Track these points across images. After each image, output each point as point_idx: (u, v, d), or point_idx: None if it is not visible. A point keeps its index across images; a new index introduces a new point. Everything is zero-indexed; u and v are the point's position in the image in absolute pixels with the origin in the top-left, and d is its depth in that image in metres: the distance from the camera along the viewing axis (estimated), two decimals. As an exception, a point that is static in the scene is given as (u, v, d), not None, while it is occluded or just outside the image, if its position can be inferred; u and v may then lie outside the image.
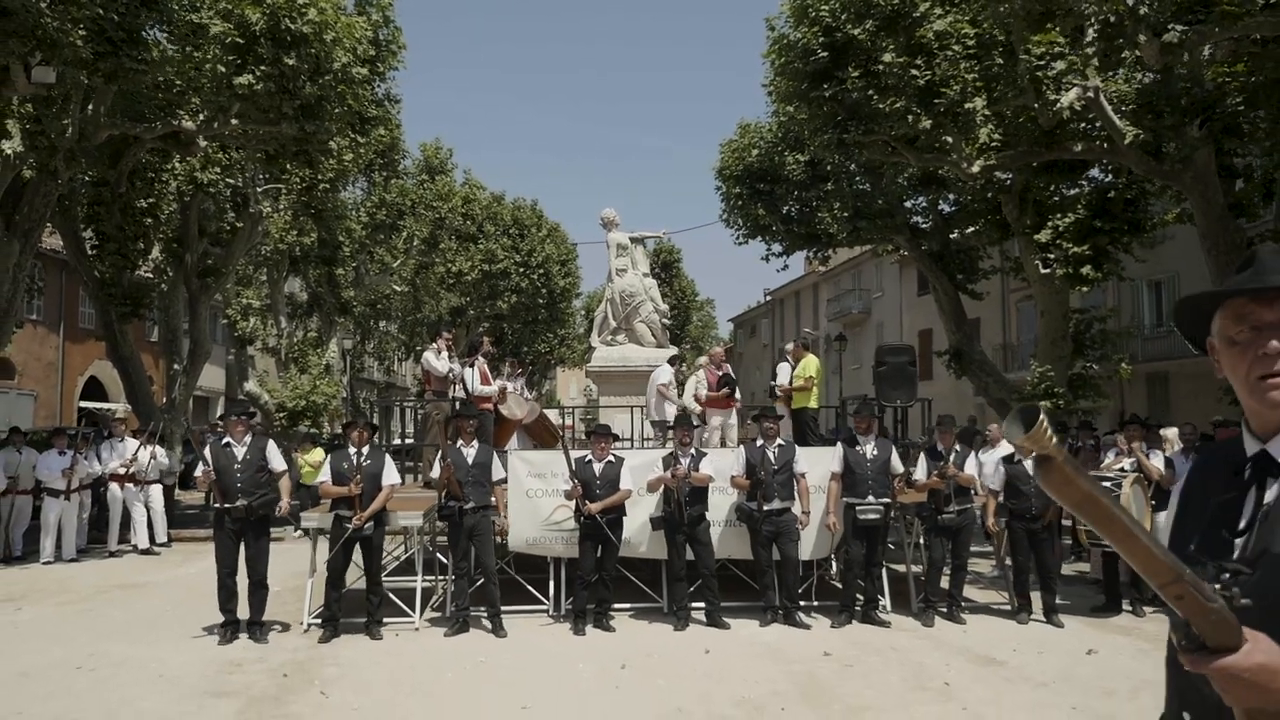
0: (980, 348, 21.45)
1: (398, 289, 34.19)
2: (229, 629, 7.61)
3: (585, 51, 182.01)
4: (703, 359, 12.82)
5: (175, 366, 22.40)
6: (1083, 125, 15.00)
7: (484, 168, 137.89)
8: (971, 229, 20.06)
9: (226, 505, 7.58)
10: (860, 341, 39.48)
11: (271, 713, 5.61)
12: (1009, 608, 8.66)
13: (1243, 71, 13.01)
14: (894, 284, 37.91)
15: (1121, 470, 8.64)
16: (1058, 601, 8.45)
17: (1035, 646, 7.26)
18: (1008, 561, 9.05)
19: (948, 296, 21.32)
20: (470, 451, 8.03)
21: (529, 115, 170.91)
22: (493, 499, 8.07)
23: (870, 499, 8.15)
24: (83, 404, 31.56)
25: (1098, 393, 18.62)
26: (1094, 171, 18.03)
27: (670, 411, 11.32)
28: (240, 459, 7.71)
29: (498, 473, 8.17)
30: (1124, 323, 25.66)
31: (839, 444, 8.65)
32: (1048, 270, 17.36)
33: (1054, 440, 1.18)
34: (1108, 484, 8.22)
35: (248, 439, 7.88)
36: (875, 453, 8.31)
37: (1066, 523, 11.37)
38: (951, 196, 20.51)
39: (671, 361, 12.50)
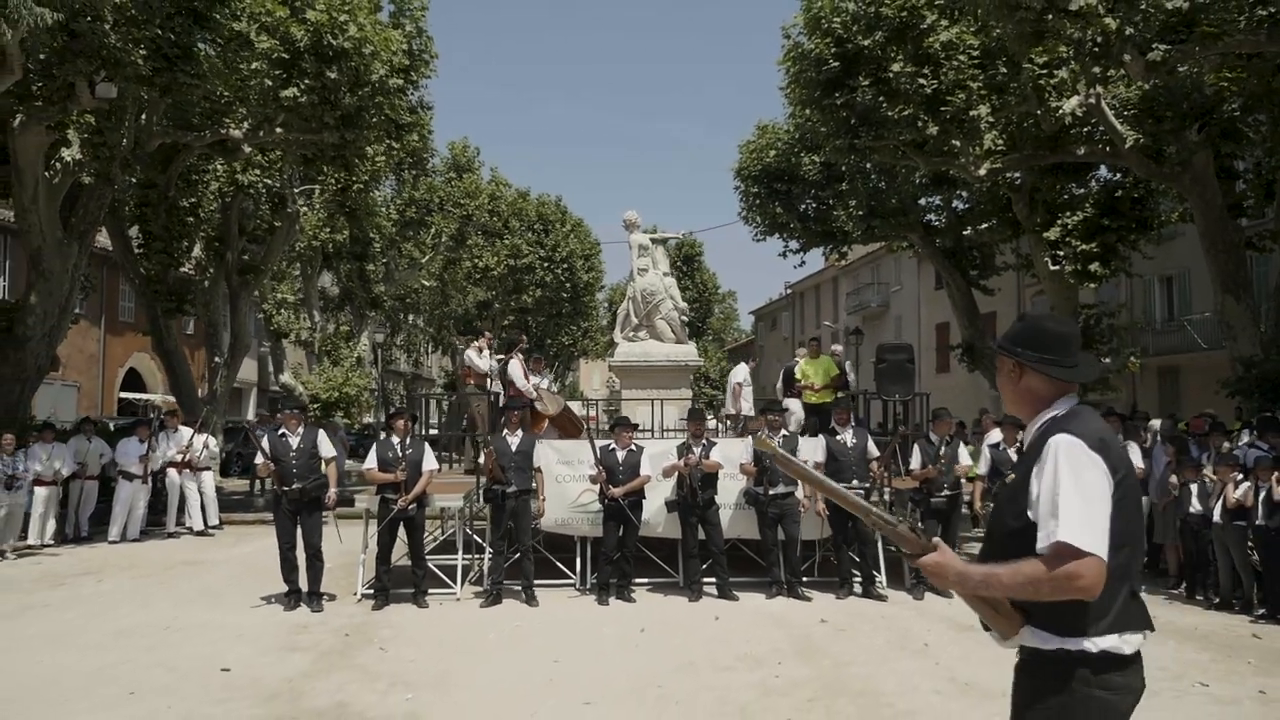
0: (992, 342, 22.10)
1: (426, 284, 35.14)
2: (292, 597, 8.56)
3: (603, 43, 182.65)
4: (800, 355, 13.87)
5: (216, 359, 23.43)
6: (1085, 129, 15.63)
7: (506, 161, 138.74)
8: (985, 225, 20.67)
9: (284, 488, 8.53)
10: (880, 334, 40.05)
11: (341, 663, 6.54)
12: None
13: (1240, 78, 13.59)
14: (912, 278, 38.46)
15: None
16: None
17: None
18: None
19: (960, 292, 21.97)
20: (514, 440, 8.92)
21: (550, 108, 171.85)
22: (533, 484, 8.95)
23: (854, 483, 9.02)
24: (123, 395, 32.69)
25: (1106, 386, 19.22)
26: (1102, 171, 18.59)
27: (746, 407, 12.45)
28: (295, 448, 8.61)
29: (538, 460, 9.05)
30: (1135, 317, 26.21)
31: (820, 435, 9.54)
32: (1057, 267, 17.95)
33: (774, 443, 2.29)
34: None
35: (300, 429, 8.79)
36: (854, 441, 9.23)
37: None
38: (964, 195, 21.12)
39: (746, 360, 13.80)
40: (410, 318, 39.30)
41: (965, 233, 21.42)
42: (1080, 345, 2.57)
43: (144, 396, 33.01)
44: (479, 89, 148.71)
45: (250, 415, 36.63)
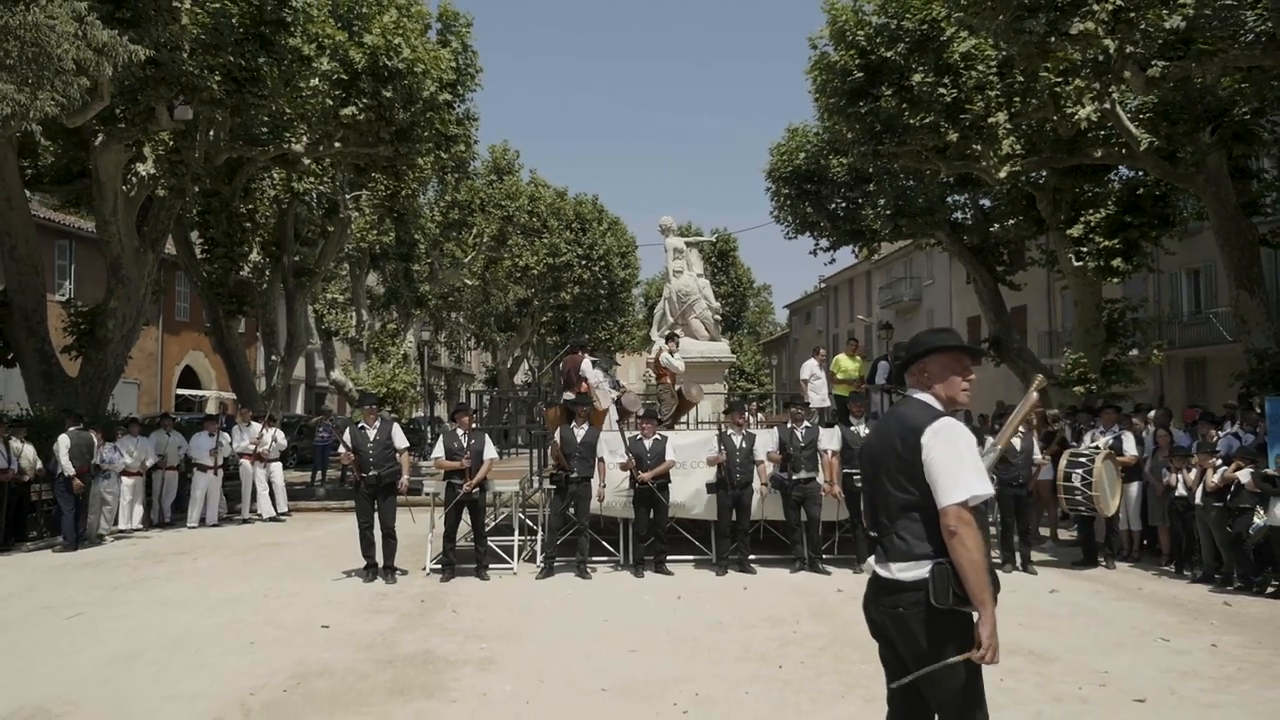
0: (1018, 336, 22.71)
1: (468, 282, 36.36)
2: (369, 570, 9.70)
3: (634, 39, 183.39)
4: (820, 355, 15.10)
5: (273, 357, 24.74)
6: (1101, 133, 16.31)
7: (538, 156, 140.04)
8: (1011, 221, 21.31)
9: (363, 475, 9.65)
10: (912, 328, 40.57)
11: (421, 622, 7.64)
12: (998, 560, 10.38)
13: (1253, 84, 14.23)
14: (944, 272, 38.98)
15: (1096, 447, 10.27)
16: (1044, 556, 10.14)
17: (1009, 587, 8.90)
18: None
19: (987, 288, 22.59)
20: (580, 432, 9.99)
21: (583, 102, 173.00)
22: (594, 471, 10.03)
23: None
24: (179, 391, 34.18)
25: (1130, 378, 19.80)
26: (1123, 170, 19.18)
27: (817, 399, 13.51)
28: (372, 439, 9.76)
29: (601, 450, 10.13)
30: (1162, 310, 26.70)
31: (836, 426, 10.51)
32: (1080, 263, 18.58)
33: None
34: (1083, 458, 9.87)
35: (377, 423, 9.93)
36: (867, 431, 10.11)
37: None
38: (989, 193, 21.76)
39: (815, 352, 15.03)
40: (453, 315, 40.56)
41: (992, 229, 22.08)
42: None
43: (199, 393, 34.44)
44: (511, 84, 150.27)
45: (298, 410, 38.02)
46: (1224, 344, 23.98)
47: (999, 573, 9.17)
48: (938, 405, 3.20)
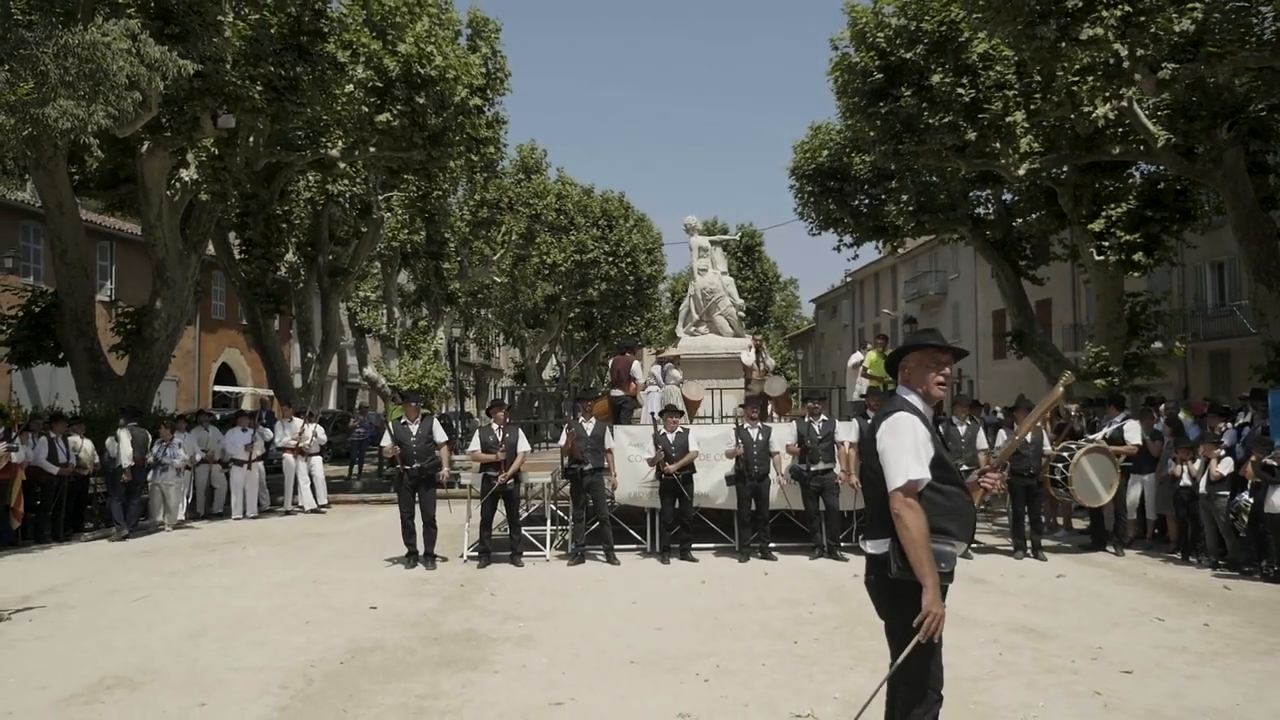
0: (1042, 330, 22.95)
1: (497, 279, 36.95)
2: (411, 558, 10.28)
3: (660, 33, 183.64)
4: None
5: (309, 355, 25.42)
6: (1119, 130, 16.56)
7: (568, 154, 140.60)
8: (1033, 216, 21.55)
9: (406, 467, 10.23)
10: (938, 322, 40.78)
11: (461, 604, 8.19)
12: (1009, 547, 10.79)
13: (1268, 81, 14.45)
14: (969, 265, 39.10)
15: (1093, 440, 10.66)
16: (1055, 543, 10.51)
17: (1018, 572, 9.43)
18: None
19: (1010, 282, 22.82)
20: (589, 426, 10.51)
21: (609, 99, 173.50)
22: (605, 463, 10.53)
23: None
24: (216, 388, 35.03)
25: (1152, 371, 20.03)
26: (1144, 164, 19.37)
27: (861, 389, 14.02)
28: (415, 434, 10.34)
29: (609, 443, 10.62)
30: (1186, 303, 26.78)
31: (853, 419, 10.94)
32: (1101, 257, 18.81)
33: None
34: (1067, 453, 10.26)
35: (419, 419, 10.50)
36: None
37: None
38: (1011, 188, 22.00)
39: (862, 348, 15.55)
40: (482, 312, 41.20)
41: (1015, 223, 22.31)
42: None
43: (235, 389, 35.26)
44: (537, 80, 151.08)
45: (330, 405, 38.77)
46: (1248, 336, 24.05)
47: (1011, 558, 9.62)
48: (916, 399, 3.59)
